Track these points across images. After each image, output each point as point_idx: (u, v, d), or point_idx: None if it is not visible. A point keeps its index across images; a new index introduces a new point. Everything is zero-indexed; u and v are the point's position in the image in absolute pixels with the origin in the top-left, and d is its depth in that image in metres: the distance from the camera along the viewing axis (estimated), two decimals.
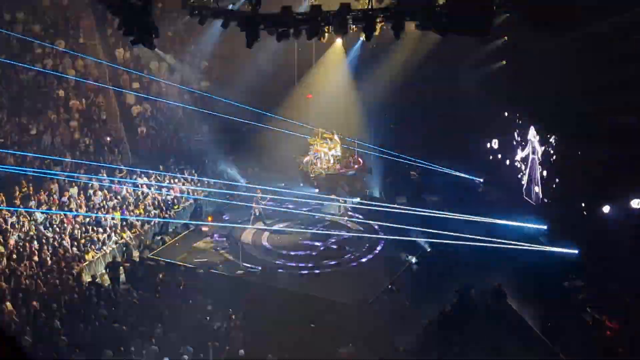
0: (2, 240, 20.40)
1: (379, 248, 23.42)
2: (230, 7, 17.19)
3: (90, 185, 24.89)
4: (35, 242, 20.62)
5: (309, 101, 30.67)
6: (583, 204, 20.87)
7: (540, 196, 23.63)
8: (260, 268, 21.49)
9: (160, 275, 20.49)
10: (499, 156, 26.67)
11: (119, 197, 24.68)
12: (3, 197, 22.79)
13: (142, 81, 30.70)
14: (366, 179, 27.78)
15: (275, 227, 25.09)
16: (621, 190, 19.30)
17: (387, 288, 20.33)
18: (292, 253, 23.07)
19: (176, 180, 26.78)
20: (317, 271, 21.77)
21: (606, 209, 19.90)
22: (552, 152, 22.69)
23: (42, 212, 22.49)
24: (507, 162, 26.11)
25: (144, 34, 13.34)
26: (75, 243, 21.33)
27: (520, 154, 25.10)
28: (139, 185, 25.63)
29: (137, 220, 23.83)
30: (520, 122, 24.90)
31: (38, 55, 29.31)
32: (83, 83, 29.35)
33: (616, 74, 18.73)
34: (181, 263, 21.89)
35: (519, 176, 25.20)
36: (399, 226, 23.22)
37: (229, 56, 30.52)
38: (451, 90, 26.12)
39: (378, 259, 22.71)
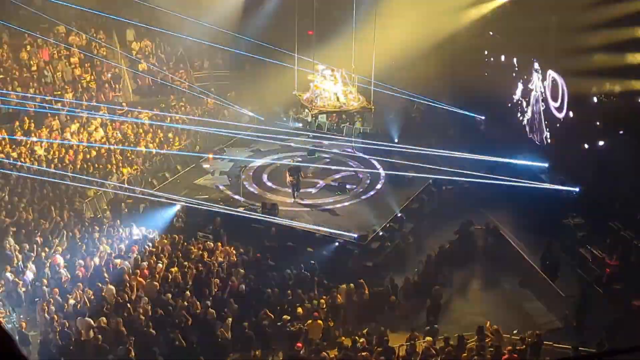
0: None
1: (378, 186, 23.38)
2: None
3: (91, 121, 24.83)
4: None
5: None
6: (585, 142, 20.67)
7: (543, 134, 23.36)
8: (260, 204, 21.48)
9: None
10: (501, 94, 26.16)
11: (119, 133, 24.63)
12: (5, 133, 22.81)
13: (143, 16, 30.16)
14: (367, 116, 27.42)
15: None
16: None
17: (386, 226, 20.34)
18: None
19: (177, 118, 26.60)
20: (317, 208, 21.82)
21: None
22: (554, 88, 22.28)
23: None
24: (510, 99, 25.70)
25: None
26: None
27: (522, 91, 24.67)
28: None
29: (139, 156, 23.83)
30: (523, 60, 24.38)
31: None
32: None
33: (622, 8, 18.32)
34: (182, 199, 21.92)
35: (521, 114, 24.84)
36: (401, 162, 23.24)
37: None
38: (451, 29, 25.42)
39: (378, 196, 22.68)
